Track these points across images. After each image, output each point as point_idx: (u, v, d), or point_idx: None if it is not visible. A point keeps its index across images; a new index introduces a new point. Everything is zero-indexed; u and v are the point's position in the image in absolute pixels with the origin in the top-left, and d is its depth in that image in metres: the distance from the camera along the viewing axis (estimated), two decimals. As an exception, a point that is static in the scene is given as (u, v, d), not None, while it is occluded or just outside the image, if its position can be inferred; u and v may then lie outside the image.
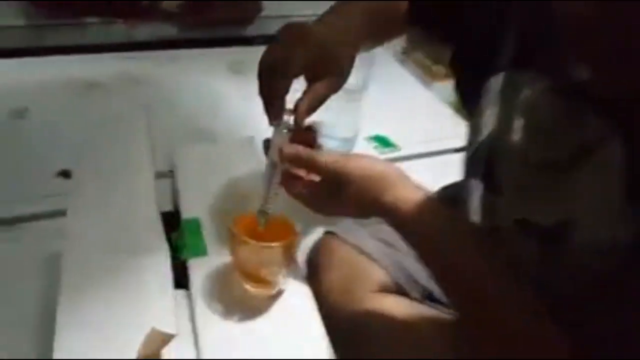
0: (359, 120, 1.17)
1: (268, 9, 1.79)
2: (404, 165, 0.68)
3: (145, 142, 0.80)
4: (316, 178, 0.65)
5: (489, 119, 0.63)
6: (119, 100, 1.17)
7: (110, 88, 1.23)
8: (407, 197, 0.60)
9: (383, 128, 1.27)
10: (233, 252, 0.65)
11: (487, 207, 0.65)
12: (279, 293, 0.69)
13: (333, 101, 1.12)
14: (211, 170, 0.84)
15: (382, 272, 0.83)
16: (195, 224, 0.75)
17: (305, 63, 0.66)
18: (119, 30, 1.52)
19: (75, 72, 1.26)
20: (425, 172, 0.68)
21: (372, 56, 1.25)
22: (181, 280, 0.70)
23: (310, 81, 0.69)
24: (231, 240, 0.64)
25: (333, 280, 0.83)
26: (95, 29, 1.48)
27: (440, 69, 1.84)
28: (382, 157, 1.22)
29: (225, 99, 1.23)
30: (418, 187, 0.62)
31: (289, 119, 0.65)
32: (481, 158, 0.65)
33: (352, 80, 1.12)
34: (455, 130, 1.21)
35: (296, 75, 0.66)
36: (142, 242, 0.68)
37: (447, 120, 1.34)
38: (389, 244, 0.86)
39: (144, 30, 1.56)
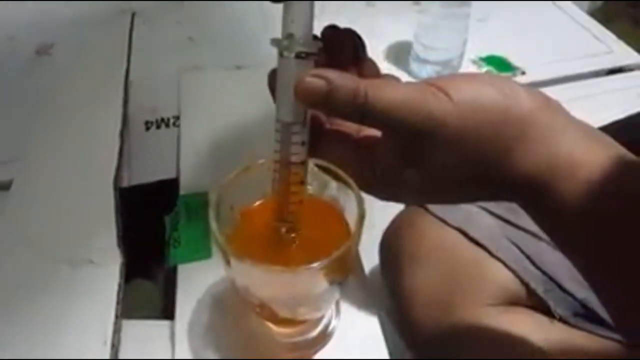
0: (465, 35, 0.78)
1: None
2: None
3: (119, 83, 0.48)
4: (374, 132, 0.30)
5: None
6: (154, 29, 0.86)
7: (147, 14, 0.92)
8: (578, 157, 0.28)
9: (498, 45, 0.87)
10: (227, 273, 0.32)
11: None
12: (324, 337, 0.36)
13: (426, 6, 0.78)
14: (234, 112, 0.51)
15: (505, 273, 0.48)
16: (198, 204, 0.43)
17: None
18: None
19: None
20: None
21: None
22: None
23: None
24: (223, 254, 0.30)
25: (425, 283, 0.50)
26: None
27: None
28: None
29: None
30: (595, 136, 0.29)
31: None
32: None
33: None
34: (600, 46, 0.88)
35: None
36: (88, 242, 0.38)
37: (588, 34, 0.92)
38: (516, 226, 0.51)
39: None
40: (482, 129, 0.27)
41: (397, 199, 0.32)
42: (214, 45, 0.80)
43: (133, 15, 0.74)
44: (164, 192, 0.46)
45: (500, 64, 0.84)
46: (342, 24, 0.32)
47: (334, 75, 0.28)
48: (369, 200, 0.32)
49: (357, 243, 0.31)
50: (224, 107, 0.52)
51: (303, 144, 0.29)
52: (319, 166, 0.32)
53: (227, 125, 0.49)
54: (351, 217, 0.32)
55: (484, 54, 0.85)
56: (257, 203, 0.34)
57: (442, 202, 0.33)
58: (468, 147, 0.27)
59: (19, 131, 0.57)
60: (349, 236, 0.32)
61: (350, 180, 0.30)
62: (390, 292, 0.53)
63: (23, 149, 0.52)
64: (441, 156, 0.28)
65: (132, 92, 0.58)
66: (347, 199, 0.33)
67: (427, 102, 0.27)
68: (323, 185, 0.33)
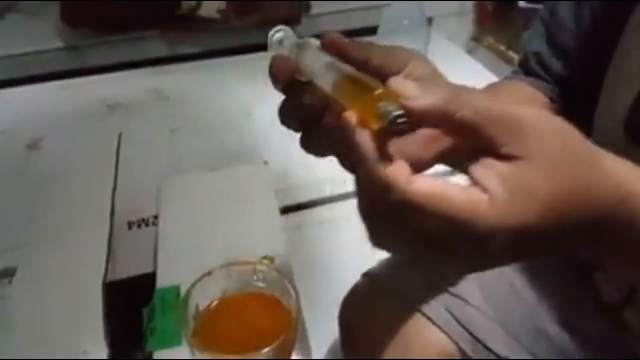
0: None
1: (317, 6, 1.53)
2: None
3: (108, 189, 0.57)
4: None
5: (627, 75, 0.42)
6: (139, 123, 0.96)
7: (134, 108, 1.02)
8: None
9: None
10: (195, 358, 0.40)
11: None
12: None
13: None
14: (207, 212, 0.60)
15: (444, 339, 0.57)
16: (172, 296, 0.52)
17: None
18: (153, 45, 1.33)
19: (98, 94, 1.08)
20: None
21: (425, 41, 0.97)
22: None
23: None
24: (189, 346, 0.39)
25: (377, 349, 0.57)
26: (125, 46, 1.28)
27: (515, 54, 1.50)
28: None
29: (259, 113, 0.99)
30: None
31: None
32: None
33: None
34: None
35: None
36: (80, 337, 0.45)
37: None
38: (455, 295, 0.59)
39: (181, 43, 1.36)
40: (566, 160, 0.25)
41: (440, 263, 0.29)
42: (196, 140, 0.89)
43: (120, 135, 0.83)
44: (145, 284, 0.54)
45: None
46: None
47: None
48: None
49: (297, 328, 0.40)
50: (199, 208, 0.62)
51: None
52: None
53: (200, 225, 0.58)
54: (291, 304, 0.41)
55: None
56: (216, 302, 0.42)
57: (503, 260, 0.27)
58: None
59: (10, 225, 0.65)
60: (291, 321, 0.40)
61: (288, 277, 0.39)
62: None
63: (18, 243, 0.60)
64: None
65: (117, 192, 0.67)
66: (286, 291, 0.41)
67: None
68: (267, 279, 0.42)
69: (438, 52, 1.07)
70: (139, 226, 0.65)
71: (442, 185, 0.24)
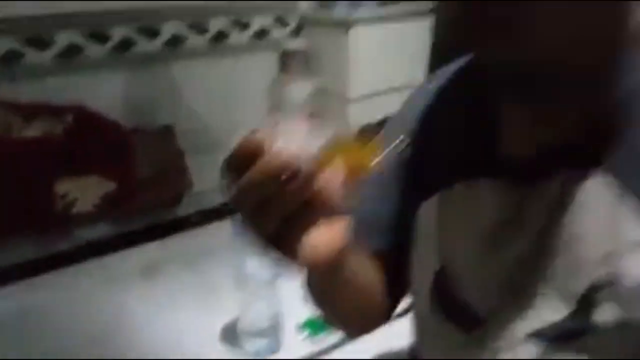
0: (278, 308, 0.95)
1: (198, 183, 1.61)
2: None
3: None
4: None
5: (426, 254, 0.52)
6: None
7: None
8: None
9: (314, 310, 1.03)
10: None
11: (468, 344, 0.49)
12: None
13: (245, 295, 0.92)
14: None
15: None
16: None
17: None
18: (25, 249, 1.31)
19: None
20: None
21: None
22: None
23: None
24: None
25: None
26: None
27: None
28: (318, 347, 0.97)
29: (131, 320, 0.99)
30: None
31: None
32: (447, 294, 0.50)
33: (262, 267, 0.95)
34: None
35: None
36: None
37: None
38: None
39: (56, 243, 1.35)
40: None
41: None
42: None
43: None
44: None
45: (316, 326, 0.96)
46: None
47: None
48: None
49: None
50: None
51: None
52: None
53: None
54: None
55: (302, 320, 0.97)
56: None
57: None
58: None
59: None
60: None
61: None
62: None
63: None
64: None
65: None
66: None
67: None
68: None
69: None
70: None
71: None
